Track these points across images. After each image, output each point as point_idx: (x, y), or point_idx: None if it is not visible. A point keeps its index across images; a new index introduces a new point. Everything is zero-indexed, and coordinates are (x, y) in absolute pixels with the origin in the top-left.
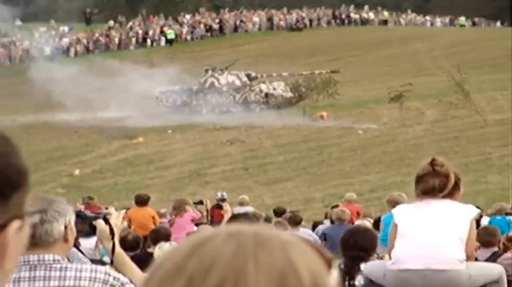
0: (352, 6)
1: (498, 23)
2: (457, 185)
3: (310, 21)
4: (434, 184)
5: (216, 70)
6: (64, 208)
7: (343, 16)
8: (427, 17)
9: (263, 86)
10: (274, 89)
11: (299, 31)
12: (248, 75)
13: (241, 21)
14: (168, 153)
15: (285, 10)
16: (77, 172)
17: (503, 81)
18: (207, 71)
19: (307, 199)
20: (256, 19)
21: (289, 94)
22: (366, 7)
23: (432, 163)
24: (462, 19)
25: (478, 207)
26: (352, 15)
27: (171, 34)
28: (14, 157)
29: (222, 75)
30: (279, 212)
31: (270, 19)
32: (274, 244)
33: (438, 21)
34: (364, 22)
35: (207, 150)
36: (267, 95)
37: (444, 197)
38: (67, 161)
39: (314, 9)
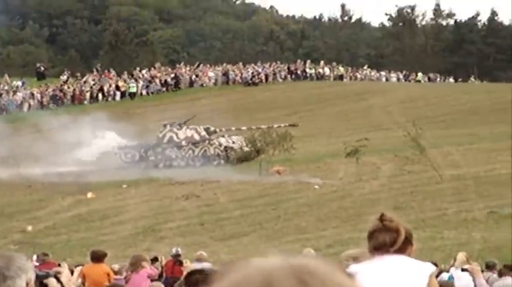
0: (308, 62)
1: (452, 79)
2: (408, 240)
3: (266, 76)
4: (384, 239)
5: (175, 125)
6: (25, 264)
7: (299, 71)
8: (382, 72)
9: (222, 140)
10: (233, 142)
11: (255, 86)
12: (207, 130)
13: (196, 75)
14: (123, 208)
15: (240, 65)
16: (29, 228)
17: (458, 136)
18: (165, 125)
19: (263, 255)
20: (212, 74)
21: (248, 148)
22: (322, 62)
23: (381, 218)
24: (419, 74)
25: (434, 264)
26: (307, 70)
27: (132, 88)
28: None
29: (181, 129)
30: None
31: (225, 74)
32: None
33: (393, 76)
34: (320, 77)
35: (162, 205)
36: (226, 148)
37: (396, 252)
38: (19, 217)
39: (270, 64)
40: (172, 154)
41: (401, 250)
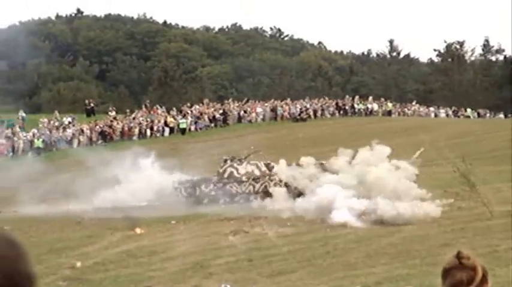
0: (356, 97)
1: (501, 115)
2: (484, 277)
3: (315, 111)
4: (461, 278)
5: (235, 160)
6: None
7: (347, 107)
8: (431, 108)
9: (283, 176)
10: (294, 178)
11: (303, 121)
12: (267, 165)
13: (245, 111)
14: (171, 244)
15: (289, 101)
16: (78, 264)
17: (508, 172)
18: (225, 160)
19: None
20: (260, 109)
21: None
22: (370, 98)
23: (458, 255)
24: (468, 110)
25: None
26: (356, 105)
27: (182, 124)
28: (22, 263)
29: (241, 164)
30: None
31: (273, 109)
32: None
33: (442, 112)
34: (368, 113)
35: (210, 241)
36: (286, 184)
37: None
38: (69, 253)
39: (318, 99)
40: (233, 189)
41: None
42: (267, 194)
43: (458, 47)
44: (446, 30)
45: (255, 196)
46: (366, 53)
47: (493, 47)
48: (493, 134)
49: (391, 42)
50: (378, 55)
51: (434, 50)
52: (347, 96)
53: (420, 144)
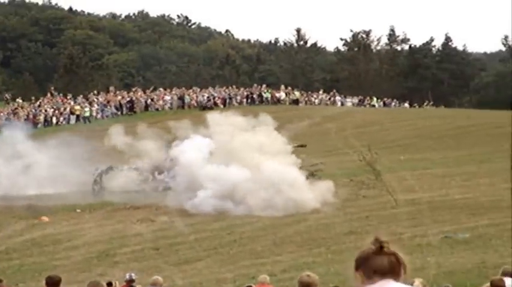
0: (264, 86)
1: (407, 104)
2: (403, 263)
3: (224, 100)
4: (383, 264)
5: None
6: None
7: (255, 95)
8: (338, 97)
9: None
10: None
11: (210, 110)
12: None
13: (152, 99)
14: (76, 233)
15: (196, 89)
16: None
17: (413, 161)
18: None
19: (218, 280)
20: (167, 97)
21: None
22: (282, 86)
23: (378, 242)
24: (374, 99)
25: None
26: (263, 94)
27: (87, 112)
28: None
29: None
30: None
31: (181, 98)
32: None
33: (348, 101)
34: (276, 101)
35: (116, 230)
36: None
37: (393, 277)
38: None
39: (225, 88)
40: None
41: (397, 275)
42: None
43: (364, 36)
44: (353, 19)
45: None
46: (273, 41)
47: (398, 36)
48: (398, 123)
49: (298, 31)
50: (285, 44)
51: (341, 39)
52: (255, 85)
53: (326, 132)
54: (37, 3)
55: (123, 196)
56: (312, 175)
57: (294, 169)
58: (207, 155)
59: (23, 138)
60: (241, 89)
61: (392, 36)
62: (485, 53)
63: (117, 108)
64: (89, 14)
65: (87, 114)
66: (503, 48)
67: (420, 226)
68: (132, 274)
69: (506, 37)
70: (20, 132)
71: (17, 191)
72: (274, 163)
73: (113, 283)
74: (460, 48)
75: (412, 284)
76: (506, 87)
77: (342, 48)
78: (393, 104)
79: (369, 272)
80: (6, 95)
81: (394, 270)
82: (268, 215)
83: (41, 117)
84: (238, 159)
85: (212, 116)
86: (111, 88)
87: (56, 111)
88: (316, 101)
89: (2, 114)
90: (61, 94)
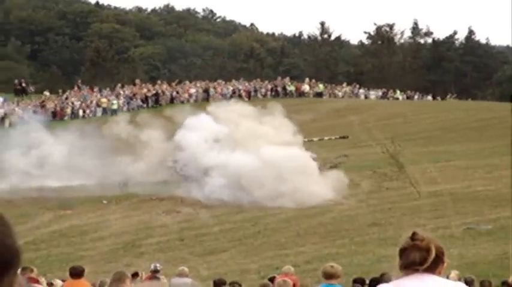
0: (287, 79)
1: (430, 97)
2: (439, 258)
3: (249, 93)
4: (415, 258)
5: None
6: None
7: (279, 88)
8: (361, 90)
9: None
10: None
11: None
12: None
13: (177, 92)
14: (102, 224)
15: (221, 82)
16: None
17: (436, 153)
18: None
19: (242, 270)
20: (192, 90)
21: None
22: (307, 79)
23: (413, 236)
24: (398, 92)
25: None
26: (287, 87)
27: (114, 105)
28: (8, 237)
29: None
30: (218, 284)
31: (206, 90)
32: None
33: (372, 94)
34: (300, 94)
35: (142, 221)
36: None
37: (427, 270)
38: None
39: (250, 80)
40: None
41: (432, 269)
42: None
43: (388, 29)
44: (376, 12)
45: None
46: (297, 35)
47: (421, 29)
48: (421, 116)
49: (322, 24)
50: (309, 37)
51: (365, 33)
52: (279, 78)
53: (350, 125)
54: None
55: (148, 187)
56: (336, 167)
57: (306, 157)
58: (212, 135)
59: (44, 129)
60: (266, 81)
61: (415, 29)
62: (508, 46)
63: (142, 101)
64: (115, 7)
65: (114, 107)
66: None
67: (443, 218)
68: (157, 265)
69: None
70: (41, 124)
71: (41, 182)
72: (284, 150)
73: (139, 273)
74: (483, 41)
75: (448, 277)
76: None
77: (366, 42)
78: (416, 96)
79: (401, 266)
80: (31, 87)
81: (425, 264)
82: (278, 205)
83: (68, 110)
84: (244, 147)
85: (215, 108)
86: (137, 81)
87: (83, 104)
88: (340, 93)
89: (29, 107)
90: (88, 87)
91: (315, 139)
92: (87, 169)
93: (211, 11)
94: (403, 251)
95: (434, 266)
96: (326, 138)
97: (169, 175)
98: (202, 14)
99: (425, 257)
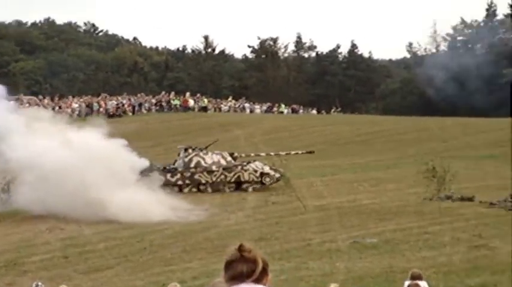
0: (172, 93)
1: (314, 111)
2: (265, 270)
3: (133, 107)
4: (242, 270)
5: (197, 149)
6: None
7: (164, 102)
8: (247, 104)
9: (256, 166)
10: (269, 169)
11: (119, 117)
12: (231, 155)
13: (59, 107)
14: None
15: (104, 96)
16: None
17: (322, 167)
18: (186, 149)
19: None
20: (75, 105)
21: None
22: (188, 94)
23: (240, 248)
24: (282, 106)
25: None
26: (172, 101)
27: None
28: None
29: (207, 154)
30: None
31: (89, 105)
32: None
33: (257, 108)
34: (185, 108)
35: (24, 238)
36: (262, 174)
37: (254, 282)
38: None
39: (134, 95)
40: (202, 178)
41: (259, 280)
42: (239, 184)
43: (271, 43)
44: (260, 26)
45: (228, 186)
46: (181, 48)
47: (305, 43)
48: (306, 130)
49: (205, 38)
50: (193, 51)
51: (249, 47)
52: (163, 92)
53: (236, 139)
54: None
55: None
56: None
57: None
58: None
59: None
60: (150, 96)
61: (299, 43)
62: (390, 60)
63: None
64: None
65: None
66: (408, 55)
67: (329, 232)
68: (39, 283)
69: (410, 44)
70: None
71: None
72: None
73: None
74: (366, 55)
75: None
76: (411, 94)
77: (250, 55)
78: (301, 110)
79: (227, 278)
80: None
81: (253, 276)
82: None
83: None
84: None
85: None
86: (20, 96)
87: None
88: (226, 107)
89: None
90: None
91: (282, 153)
92: None
93: (93, 25)
94: (230, 264)
95: (260, 277)
96: (293, 153)
97: None
98: (84, 27)
99: (252, 268)
